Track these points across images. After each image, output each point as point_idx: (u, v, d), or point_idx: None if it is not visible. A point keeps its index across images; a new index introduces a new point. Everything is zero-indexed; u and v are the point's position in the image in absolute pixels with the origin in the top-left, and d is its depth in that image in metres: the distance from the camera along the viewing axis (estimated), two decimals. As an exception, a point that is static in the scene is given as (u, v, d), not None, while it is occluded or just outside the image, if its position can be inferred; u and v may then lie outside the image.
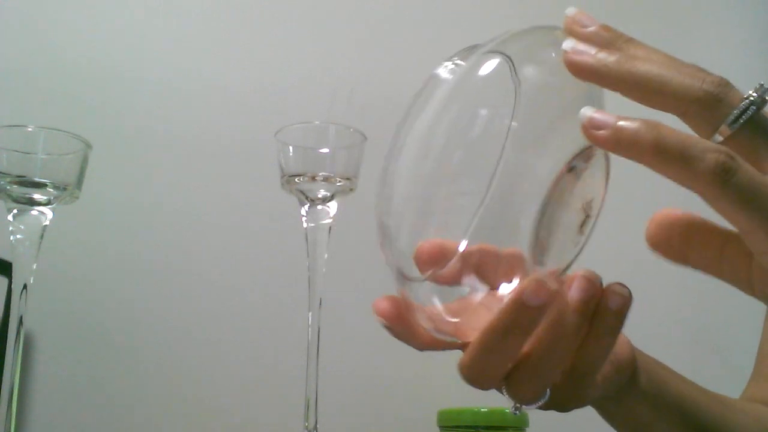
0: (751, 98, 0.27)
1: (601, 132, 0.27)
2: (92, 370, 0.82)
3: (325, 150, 0.60)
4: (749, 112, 0.27)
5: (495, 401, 0.72)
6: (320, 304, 0.61)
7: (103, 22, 0.93)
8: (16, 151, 0.53)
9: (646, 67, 0.28)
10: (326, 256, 0.60)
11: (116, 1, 0.94)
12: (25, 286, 0.54)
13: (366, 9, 1.04)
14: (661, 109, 0.29)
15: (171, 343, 0.85)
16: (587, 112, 0.28)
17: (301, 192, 0.60)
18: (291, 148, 0.60)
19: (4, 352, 0.54)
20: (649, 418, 0.43)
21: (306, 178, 0.60)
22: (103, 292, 0.84)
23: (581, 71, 0.29)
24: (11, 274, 0.55)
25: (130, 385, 0.82)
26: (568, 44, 0.30)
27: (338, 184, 0.60)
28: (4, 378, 0.53)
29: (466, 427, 0.67)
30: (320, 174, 0.59)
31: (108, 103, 0.90)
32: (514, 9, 1.10)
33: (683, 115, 0.29)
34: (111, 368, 0.82)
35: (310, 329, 0.60)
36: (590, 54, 0.29)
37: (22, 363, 0.54)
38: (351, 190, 0.60)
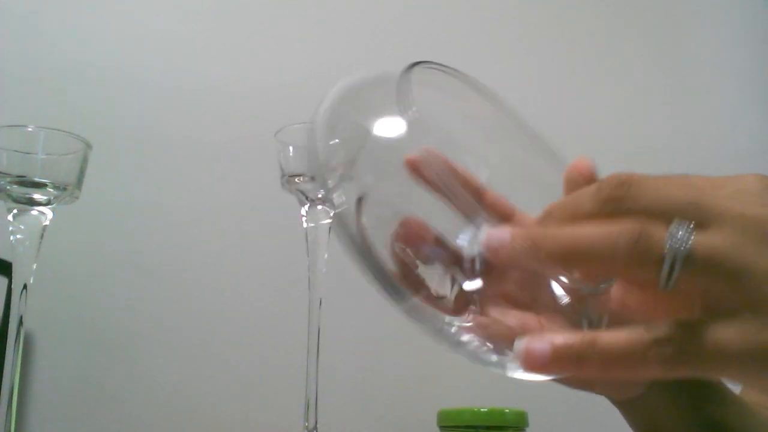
0: (671, 250, 0.26)
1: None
2: (92, 370, 0.82)
3: (325, 150, 0.60)
4: (675, 272, 0.26)
5: (495, 401, 0.72)
6: (320, 304, 0.61)
7: (103, 22, 0.93)
8: (16, 151, 0.54)
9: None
10: (326, 256, 0.60)
11: (116, 1, 0.94)
12: (25, 286, 0.54)
13: (366, 9, 1.04)
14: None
15: (171, 342, 0.85)
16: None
17: (301, 192, 0.60)
18: (291, 148, 0.60)
19: (4, 352, 0.54)
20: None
21: (306, 178, 0.60)
22: (103, 292, 0.84)
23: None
24: (11, 274, 0.55)
25: (130, 385, 0.82)
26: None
27: (338, 184, 0.60)
28: (4, 378, 0.53)
29: (466, 427, 0.67)
30: (320, 174, 0.59)
31: (108, 103, 0.90)
32: (514, 10, 1.10)
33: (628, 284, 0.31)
34: (111, 368, 0.82)
35: (309, 329, 0.60)
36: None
37: (22, 363, 0.54)
38: (351, 190, 0.60)
